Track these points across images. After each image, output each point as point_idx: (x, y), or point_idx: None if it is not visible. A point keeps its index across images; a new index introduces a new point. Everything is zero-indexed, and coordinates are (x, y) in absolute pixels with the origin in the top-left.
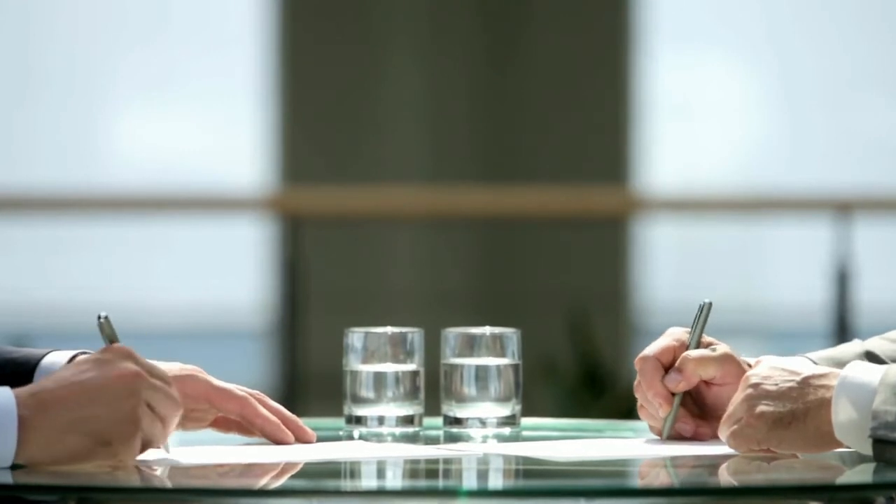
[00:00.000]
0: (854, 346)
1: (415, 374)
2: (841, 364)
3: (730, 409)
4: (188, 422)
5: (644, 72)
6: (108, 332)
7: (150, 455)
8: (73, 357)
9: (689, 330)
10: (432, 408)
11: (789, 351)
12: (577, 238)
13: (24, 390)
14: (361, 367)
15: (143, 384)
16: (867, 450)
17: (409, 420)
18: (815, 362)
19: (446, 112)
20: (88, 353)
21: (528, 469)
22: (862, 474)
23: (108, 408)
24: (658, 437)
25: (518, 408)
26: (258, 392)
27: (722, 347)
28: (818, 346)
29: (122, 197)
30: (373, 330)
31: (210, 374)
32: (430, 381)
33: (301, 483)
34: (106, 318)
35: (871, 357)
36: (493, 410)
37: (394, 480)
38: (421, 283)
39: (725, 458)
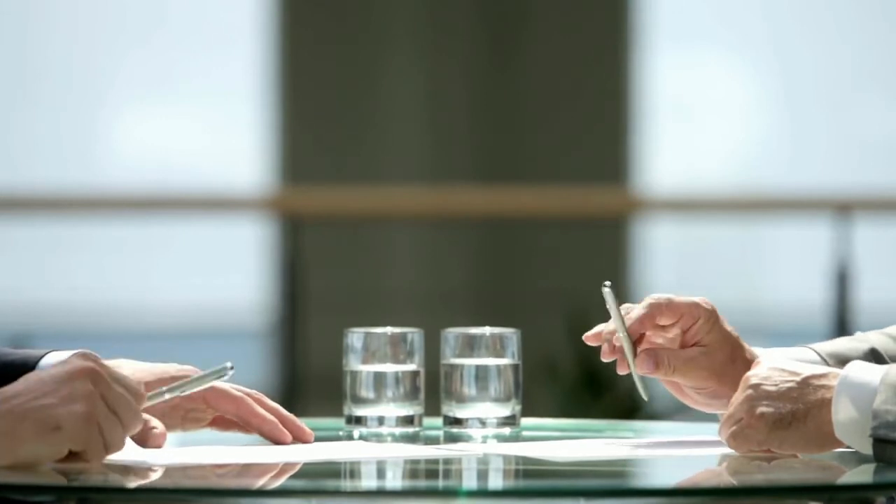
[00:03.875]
0: (858, 343)
1: (415, 374)
2: (844, 360)
3: (729, 409)
4: (187, 422)
5: (644, 72)
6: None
7: (148, 456)
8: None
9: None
10: (432, 408)
11: None
12: (577, 238)
13: None
14: (361, 368)
15: (99, 379)
16: (868, 449)
17: (409, 420)
18: (818, 353)
19: (446, 112)
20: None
21: (528, 469)
22: (862, 474)
23: (61, 396)
24: (656, 438)
25: (518, 408)
26: (256, 392)
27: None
28: None
29: (122, 197)
30: (373, 330)
31: None
32: (430, 382)
33: (301, 483)
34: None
35: (876, 355)
36: (493, 410)
37: (394, 480)
38: (421, 283)
39: (725, 458)
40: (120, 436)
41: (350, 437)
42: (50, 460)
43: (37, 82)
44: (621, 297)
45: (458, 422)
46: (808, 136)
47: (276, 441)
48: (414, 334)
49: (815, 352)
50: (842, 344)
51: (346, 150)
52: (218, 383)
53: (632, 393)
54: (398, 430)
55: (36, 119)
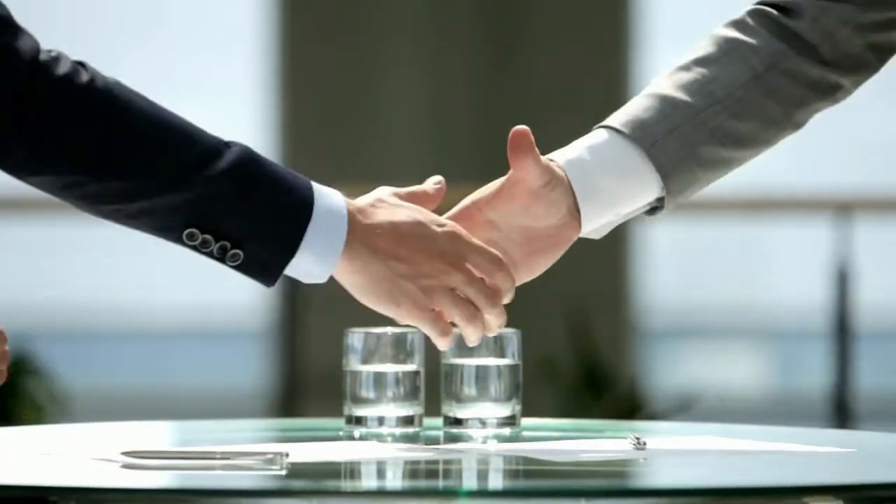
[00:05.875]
0: (651, 100)
1: (415, 374)
2: (642, 125)
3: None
4: None
5: (644, 72)
6: None
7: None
8: None
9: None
10: (432, 408)
11: (789, 351)
12: (577, 238)
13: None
14: (361, 368)
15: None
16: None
17: (409, 420)
18: (613, 127)
19: (446, 112)
20: None
21: (528, 469)
22: (863, 474)
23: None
24: (656, 437)
25: (518, 408)
26: None
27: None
28: (818, 345)
29: None
30: (373, 330)
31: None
32: (430, 382)
33: (301, 483)
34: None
35: (667, 100)
36: (493, 411)
37: (394, 480)
38: None
39: (725, 457)
40: None
41: (350, 437)
42: None
43: None
44: (621, 297)
45: (458, 422)
46: (808, 136)
47: None
48: (414, 334)
49: (612, 128)
50: (637, 104)
51: (346, 150)
52: None
53: (631, 393)
54: (398, 431)
55: None
